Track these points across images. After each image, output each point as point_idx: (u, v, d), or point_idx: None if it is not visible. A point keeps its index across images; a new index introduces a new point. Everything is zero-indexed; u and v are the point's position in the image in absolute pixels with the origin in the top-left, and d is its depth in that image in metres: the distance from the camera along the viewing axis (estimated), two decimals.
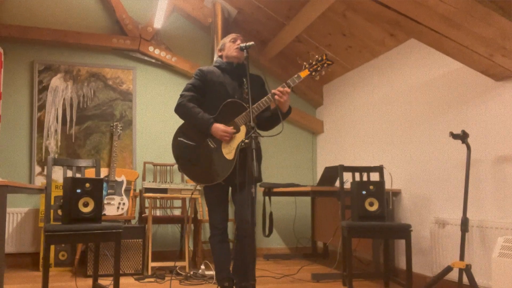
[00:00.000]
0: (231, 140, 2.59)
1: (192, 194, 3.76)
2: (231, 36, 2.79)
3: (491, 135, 2.95)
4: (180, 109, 2.68)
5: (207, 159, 2.60)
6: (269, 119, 2.74)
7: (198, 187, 4.00)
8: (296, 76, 2.61)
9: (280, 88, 2.55)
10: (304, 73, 2.63)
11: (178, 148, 2.67)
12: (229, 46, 2.75)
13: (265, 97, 2.56)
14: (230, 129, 2.57)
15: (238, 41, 2.74)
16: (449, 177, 3.27)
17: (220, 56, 2.82)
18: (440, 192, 3.34)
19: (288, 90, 2.56)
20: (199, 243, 4.34)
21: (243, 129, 2.60)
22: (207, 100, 2.71)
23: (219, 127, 2.57)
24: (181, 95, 2.70)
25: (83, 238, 2.81)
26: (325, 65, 2.62)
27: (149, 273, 3.83)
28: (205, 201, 2.75)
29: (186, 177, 4.81)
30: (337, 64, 4.71)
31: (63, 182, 2.97)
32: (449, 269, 2.81)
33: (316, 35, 4.41)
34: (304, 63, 2.67)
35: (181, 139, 2.68)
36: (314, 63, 2.64)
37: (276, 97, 2.54)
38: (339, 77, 4.95)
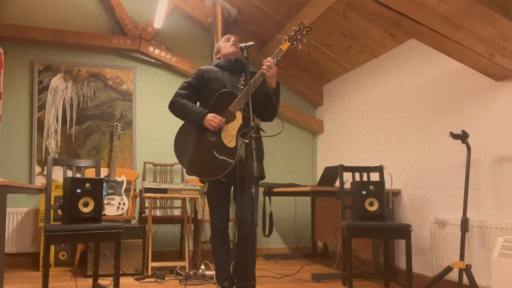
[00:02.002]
0: (228, 129, 2.59)
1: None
2: (223, 37, 2.85)
3: (491, 135, 2.95)
4: (173, 106, 2.71)
5: (210, 153, 2.60)
6: (265, 102, 2.71)
7: (198, 187, 4.00)
8: (278, 50, 2.64)
9: (267, 63, 2.57)
10: (285, 46, 2.66)
11: (179, 148, 2.67)
12: (224, 45, 2.80)
13: (253, 78, 2.58)
14: (219, 118, 2.58)
15: (232, 39, 2.79)
16: (449, 177, 3.27)
17: (218, 59, 2.86)
18: (440, 192, 3.34)
19: (272, 61, 2.59)
20: (199, 243, 4.34)
21: (238, 115, 2.61)
22: (205, 97, 2.72)
23: (208, 116, 2.59)
24: (176, 93, 2.74)
25: (83, 238, 2.81)
26: (304, 32, 2.64)
27: (149, 273, 3.83)
28: (207, 201, 2.75)
29: (186, 177, 4.81)
30: (337, 64, 4.71)
31: (63, 182, 2.97)
32: (449, 269, 2.81)
33: (316, 35, 4.41)
34: (284, 36, 2.71)
35: (182, 139, 2.68)
36: (292, 33, 2.66)
37: (264, 71, 2.57)
38: (339, 77, 4.95)
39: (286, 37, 2.67)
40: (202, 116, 2.59)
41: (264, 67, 2.58)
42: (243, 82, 2.69)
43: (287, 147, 5.36)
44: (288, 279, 3.68)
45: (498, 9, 2.46)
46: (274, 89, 2.64)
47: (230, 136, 2.59)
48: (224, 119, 2.60)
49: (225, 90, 2.65)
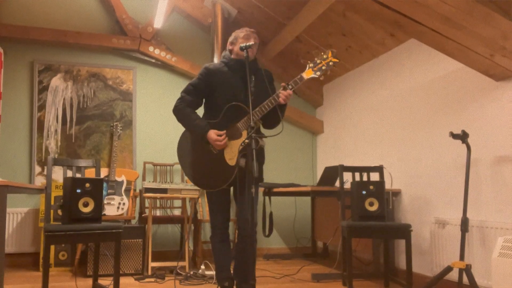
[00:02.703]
0: (230, 146, 2.57)
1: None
2: (245, 31, 2.66)
3: (491, 135, 2.95)
4: (177, 113, 2.66)
5: (209, 165, 2.58)
6: (270, 113, 2.65)
7: (198, 187, 4.00)
8: (298, 77, 2.52)
9: (284, 92, 2.50)
10: (308, 74, 2.52)
11: (182, 153, 2.66)
12: (241, 42, 2.62)
13: (267, 101, 2.51)
14: (222, 135, 2.53)
15: (252, 40, 2.62)
16: (449, 177, 3.27)
17: (230, 51, 2.71)
18: (440, 192, 3.34)
19: (291, 92, 2.52)
20: (199, 243, 4.34)
21: (244, 134, 2.56)
22: (213, 99, 2.67)
23: (211, 136, 2.54)
24: (180, 97, 2.67)
25: (83, 238, 2.81)
26: (331, 63, 2.50)
27: (149, 273, 3.83)
28: (207, 201, 2.75)
29: (186, 177, 4.81)
30: (337, 64, 4.70)
31: (63, 182, 2.97)
32: (449, 269, 2.81)
33: (316, 35, 4.41)
34: (308, 61, 2.54)
35: (185, 145, 2.67)
36: (318, 61, 2.52)
37: (281, 100, 2.50)
38: (339, 77, 4.95)
39: (311, 64, 2.51)
40: (204, 133, 2.56)
41: (282, 97, 2.49)
42: (253, 89, 2.61)
43: (287, 147, 5.36)
44: (288, 279, 3.68)
45: (498, 9, 2.46)
46: (282, 105, 2.59)
47: (232, 153, 2.55)
48: (226, 142, 2.54)
49: (236, 104, 2.57)
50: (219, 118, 2.60)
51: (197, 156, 2.62)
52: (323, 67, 2.52)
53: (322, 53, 2.53)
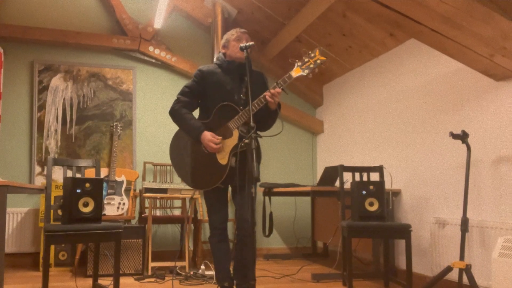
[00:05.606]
0: (222, 146, 2.56)
1: (192, 195, 3.76)
2: (236, 33, 2.67)
3: (491, 135, 2.95)
4: (174, 114, 2.67)
5: (201, 165, 2.59)
6: (261, 117, 2.66)
7: None
8: (287, 75, 2.51)
9: (272, 90, 2.49)
10: (295, 72, 2.52)
11: (174, 153, 2.67)
12: (233, 45, 2.65)
13: (257, 99, 2.51)
14: (216, 139, 2.53)
15: (244, 41, 2.63)
16: (449, 177, 3.27)
17: (224, 54, 2.73)
18: (440, 192, 3.34)
19: (279, 90, 2.50)
20: (199, 243, 4.34)
21: (235, 133, 2.56)
22: (207, 101, 2.69)
23: (206, 136, 2.55)
24: (177, 99, 2.68)
25: (83, 238, 2.81)
26: (318, 61, 2.51)
27: (149, 273, 3.83)
28: (205, 201, 2.75)
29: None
30: (337, 64, 4.71)
31: (63, 182, 2.97)
32: (449, 269, 2.81)
33: (316, 35, 4.41)
34: (296, 60, 2.55)
35: (177, 145, 2.68)
36: (306, 60, 2.53)
37: (267, 97, 2.48)
38: (339, 77, 4.95)
39: (299, 63, 2.53)
40: (199, 133, 2.57)
41: (267, 95, 2.47)
42: (245, 90, 2.62)
43: (287, 147, 5.36)
44: (288, 279, 3.68)
45: (498, 9, 2.46)
46: (273, 110, 2.59)
47: (223, 153, 2.55)
48: (220, 146, 2.54)
49: (227, 103, 2.58)
50: (210, 118, 2.61)
51: (188, 156, 2.63)
52: (311, 65, 2.52)
53: (310, 52, 2.54)
